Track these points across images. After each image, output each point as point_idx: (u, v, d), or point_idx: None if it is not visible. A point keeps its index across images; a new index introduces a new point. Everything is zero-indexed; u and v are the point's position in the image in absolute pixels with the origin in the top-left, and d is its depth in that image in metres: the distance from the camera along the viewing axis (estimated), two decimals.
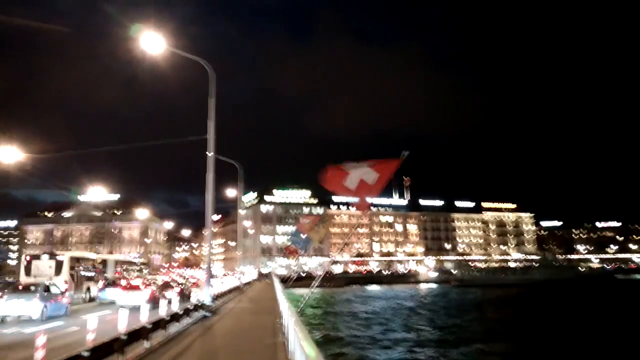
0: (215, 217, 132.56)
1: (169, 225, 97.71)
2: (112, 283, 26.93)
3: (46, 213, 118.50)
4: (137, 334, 10.55)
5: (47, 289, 18.42)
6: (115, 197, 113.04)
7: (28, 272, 25.76)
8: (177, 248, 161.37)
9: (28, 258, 26.88)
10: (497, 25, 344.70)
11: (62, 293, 19.91)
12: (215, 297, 23.84)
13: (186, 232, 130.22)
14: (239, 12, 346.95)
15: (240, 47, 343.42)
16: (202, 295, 19.72)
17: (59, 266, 25.78)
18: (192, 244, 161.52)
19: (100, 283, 27.92)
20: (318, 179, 11.13)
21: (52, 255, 26.76)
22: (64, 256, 26.76)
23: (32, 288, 18.05)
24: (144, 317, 11.83)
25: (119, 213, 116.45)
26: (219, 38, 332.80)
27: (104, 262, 32.71)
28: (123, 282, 23.95)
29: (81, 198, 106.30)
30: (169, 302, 16.58)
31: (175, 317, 14.57)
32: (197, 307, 18.10)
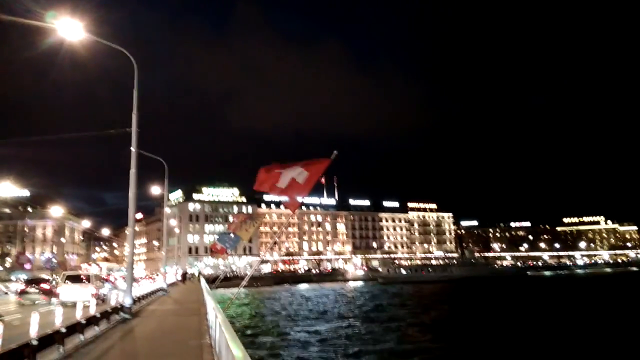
0: (138, 216, 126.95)
1: (86, 224, 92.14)
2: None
3: None
4: (49, 339, 9.84)
5: None
6: (25, 193, 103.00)
7: None
8: (95, 248, 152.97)
9: None
10: (420, 27, 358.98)
11: None
12: (137, 299, 22.90)
13: (106, 232, 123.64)
14: (158, 3, 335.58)
15: (158, 38, 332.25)
16: (121, 297, 18.78)
17: None
18: (113, 244, 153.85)
19: None
20: (247, 178, 11.04)
21: None
22: None
23: None
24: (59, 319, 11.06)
25: (30, 210, 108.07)
26: (137, 28, 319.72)
27: None
28: None
29: None
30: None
31: (92, 321, 13.76)
32: (116, 310, 17.22)
